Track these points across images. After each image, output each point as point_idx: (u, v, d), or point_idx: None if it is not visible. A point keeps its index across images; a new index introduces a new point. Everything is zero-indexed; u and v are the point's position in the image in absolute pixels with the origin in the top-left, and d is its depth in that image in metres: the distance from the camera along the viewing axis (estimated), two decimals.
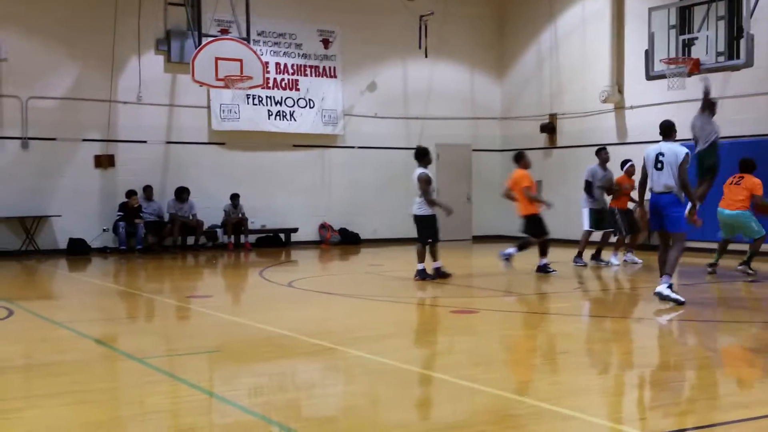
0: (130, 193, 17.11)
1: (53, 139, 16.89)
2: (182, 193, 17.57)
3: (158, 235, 17.55)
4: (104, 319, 9.16)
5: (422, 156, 12.14)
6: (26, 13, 16.57)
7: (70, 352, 7.04)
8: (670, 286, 9.16)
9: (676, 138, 9.67)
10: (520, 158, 13.11)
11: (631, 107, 18.12)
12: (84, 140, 17.21)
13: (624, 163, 14.43)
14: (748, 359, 6.91)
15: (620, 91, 18.25)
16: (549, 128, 19.89)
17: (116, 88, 17.36)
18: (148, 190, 17.54)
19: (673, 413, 5.03)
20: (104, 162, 17.33)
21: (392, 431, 4.72)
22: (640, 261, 14.25)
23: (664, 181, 9.26)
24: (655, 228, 9.59)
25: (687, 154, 9.25)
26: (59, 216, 16.75)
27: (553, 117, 19.85)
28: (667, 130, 9.62)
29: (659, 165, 9.31)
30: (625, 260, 14.33)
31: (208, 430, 4.90)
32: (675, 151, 9.28)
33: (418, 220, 12.11)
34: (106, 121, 17.26)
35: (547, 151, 20.09)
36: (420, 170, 11.96)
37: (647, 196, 9.61)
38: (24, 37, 16.52)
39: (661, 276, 9.31)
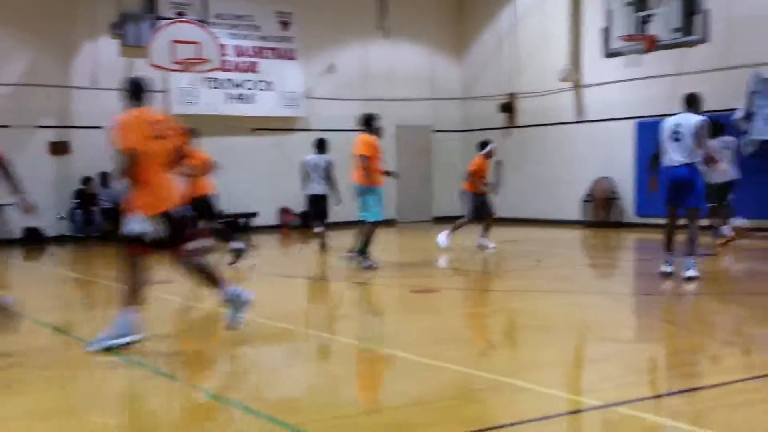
0: (86, 180, 16.87)
1: (6, 126, 16.54)
2: None
3: (115, 222, 17.32)
4: (61, 307, 9.05)
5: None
6: None
7: (26, 341, 6.93)
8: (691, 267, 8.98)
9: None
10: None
11: (589, 85, 18.26)
12: (38, 127, 16.90)
13: (483, 144, 13.47)
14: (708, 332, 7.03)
15: (578, 70, 18.37)
16: (508, 108, 19.97)
17: (71, 73, 17.07)
18: (104, 176, 17.31)
19: (630, 384, 5.11)
20: (59, 149, 17.04)
21: (355, 409, 4.73)
22: (494, 245, 13.03)
23: (681, 152, 8.81)
24: (671, 203, 9.13)
25: (704, 121, 8.83)
26: (13, 205, 16.41)
27: (512, 96, 19.93)
28: (692, 100, 9.11)
29: (677, 136, 8.87)
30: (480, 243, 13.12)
31: (170, 414, 4.87)
32: (691, 121, 8.85)
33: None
34: (60, 107, 16.97)
35: (506, 131, 20.16)
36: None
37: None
38: None
39: (667, 251, 9.22)
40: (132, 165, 6.00)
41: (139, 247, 6.17)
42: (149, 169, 6.08)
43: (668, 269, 9.20)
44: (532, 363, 5.73)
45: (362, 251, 10.84)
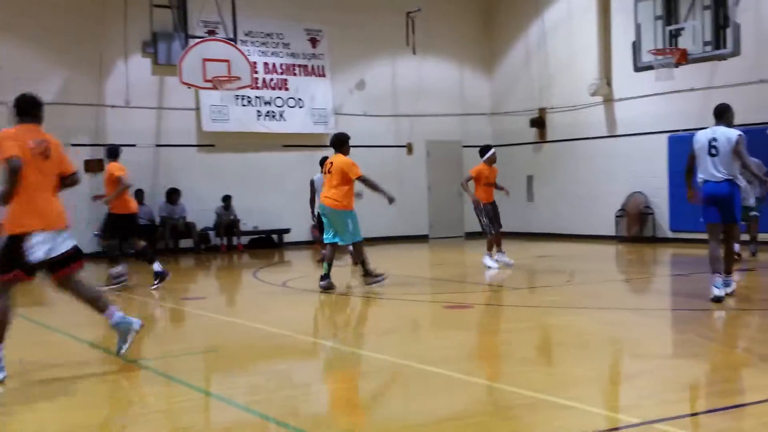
0: None
1: None
2: (173, 196, 17.53)
3: (150, 239, 17.50)
4: (98, 323, 9.12)
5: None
6: (13, 20, 16.50)
7: (64, 356, 7.02)
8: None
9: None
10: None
11: (620, 99, 18.17)
12: (73, 145, 17.12)
13: (484, 150, 13.15)
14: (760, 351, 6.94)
15: (609, 84, 18.29)
16: (539, 123, 19.92)
17: (104, 92, 17.33)
18: (138, 193, 17.49)
19: (669, 401, 5.06)
20: (93, 167, 17.26)
21: (388, 425, 4.73)
22: (512, 261, 12.96)
23: (720, 167, 8.48)
24: (712, 220, 8.68)
25: (740, 136, 8.51)
26: None
27: (542, 111, 19.89)
28: (721, 113, 8.76)
29: (713, 151, 8.51)
30: (496, 260, 12.83)
31: (206, 429, 4.90)
32: (727, 135, 8.52)
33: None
34: (94, 125, 17.22)
35: (537, 146, 20.13)
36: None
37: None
38: (12, 43, 16.45)
39: (714, 273, 8.58)
40: (12, 177, 5.81)
41: (17, 272, 5.93)
42: (26, 186, 5.90)
43: (721, 293, 8.53)
44: (568, 379, 5.68)
45: (367, 270, 10.67)
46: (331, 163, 10.67)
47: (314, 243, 19.18)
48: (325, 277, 10.37)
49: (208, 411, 5.30)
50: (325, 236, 10.80)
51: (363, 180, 10.59)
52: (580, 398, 5.05)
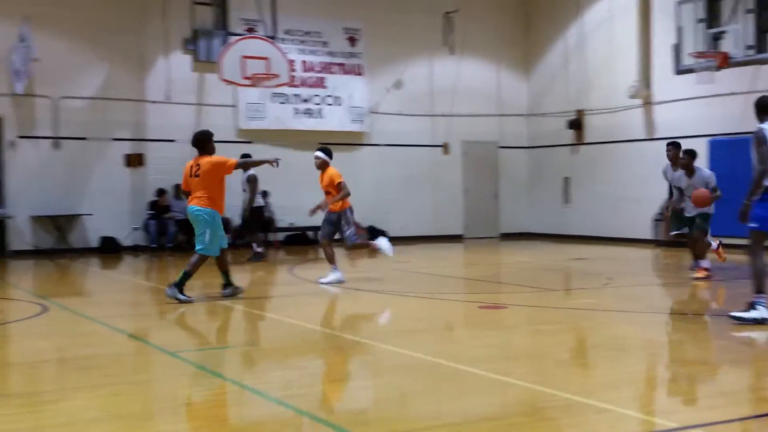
0: (160, 192, 17.28)
1: (84, 138, 17.08)
2: None
3: (188, 233, 17.69)
4: (136, 315, 9.27)
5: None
6: (57, 14, 16.77)
7: (103, 346, 7.13)
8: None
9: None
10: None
11: (660, 102, 17.98)
12: (114, 139, 17.39)
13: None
14: None
15: (648, 86, 18.11)
16: (576, 124, 19.79)
17: (145, 88, 17.54)
18: (177, 188, 17.67)
19: (707, 406, 5.01)
20: (134, 161, 17.51)
21: (424, 423, 4.74)
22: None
23: None
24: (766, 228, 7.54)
25: (759, 131, 7.49)
26: (91, 215, 16.96)
27: (580, 113, 19.75)
28: (765, 107, 7.64)
29: None
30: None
31: (240, 422, 4.95)
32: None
33: None
34: (135, 120, 17.45)
35: (574, 148, 20.00)
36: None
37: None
38: (55, 37, 16.71)
39: (759, 293, 7.41)
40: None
41: None
42: None
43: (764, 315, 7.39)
44: (605, 382, 5.65)
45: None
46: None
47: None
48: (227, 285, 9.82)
49: (244, 404, 5.35)
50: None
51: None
52: (617, 401, 5.02)
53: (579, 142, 19.86)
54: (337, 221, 11.42)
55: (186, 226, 17.55)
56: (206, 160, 9.58)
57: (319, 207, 11.56)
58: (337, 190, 11.30)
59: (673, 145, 11.93)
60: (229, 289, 9.81)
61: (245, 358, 6.78)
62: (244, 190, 14.91)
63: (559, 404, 5.02)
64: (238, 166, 9.86)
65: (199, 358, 6.67)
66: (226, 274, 9.82)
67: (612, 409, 4.85)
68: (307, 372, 6.18)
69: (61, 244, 16.69)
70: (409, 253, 16.80)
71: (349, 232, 11.39)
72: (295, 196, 18.87)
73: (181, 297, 9.32)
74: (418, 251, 17.25)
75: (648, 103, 18.19)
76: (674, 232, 11.90)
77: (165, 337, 7.60)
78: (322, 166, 11.55)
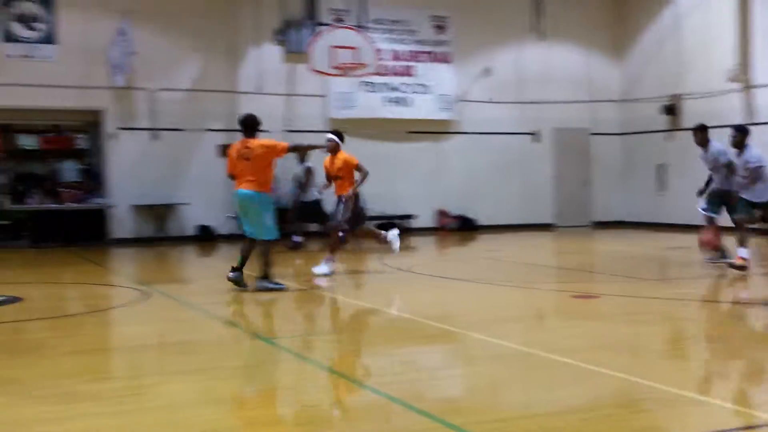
0: None
1: (181, 129, 17.58)
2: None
3: (281, 222, 17.96)
4: (233, 302, 9.50)
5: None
6: (154, 7, 17.28)
7: (201, 332, 7.36)
8: None
9: None
10: None
11: (760, 86, 17.33)
12: (208, 130, 17.82)
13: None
14: None
15: (747, 70, 17.46)
16: (671, 110, 19.25)
17: (237, 78, 17.90)
18: None
19: None
20: (227, 151, 17.86)
21: (514, 413, 4.73)
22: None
23: None
24: None
25: None
26: (188, 204, 17.47)
27: (676, 98, 19.19)
28: None
29: None
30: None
31: (333, 407, 5.04)
32: None
33: None
34: (228, 111, 17.83)
35: (670, 134, 19.46)
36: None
37: None
38: (151, 31, 17.21)
39: None
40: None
41: None
42: None
43: None
44: (703, 374, 5.52)
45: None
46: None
47: (439, 229, 19.30)
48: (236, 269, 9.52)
49: (336, 390, 5.45)
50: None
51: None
52: (715, 394, 4.91)
53: (674, 127, 19.31)
54: (346, 205, 11.15)
55: (278, 215, 17.89)
56: (257, 143, 9.48)
57: (326, 187, 11.57)
58: (353, 173, 11.16)
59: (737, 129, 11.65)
60: (236, 275, 9.43)
61: (338, 345, 6.88)
62: (298, 181, 14.91)
63: (654, 396, 4.93)
64: (289, 149, 9.77)
65: (293, 344, 6.81)
66: (244, 260, 9.50)
67: (709, 401, 4.74)
68: (398, 360, 6.24)
69: (159, 233, 17.25)
70: (499, 242, 16.71)
71: (341, 217, 11.17)
72: (384, 185, 18.98)
73: (271, 285, 9.37)
74: (508, 240, 17.13)
75: (748, 87, 17.55)
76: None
77: (260, 324, 7.79)
78: (335, 149, 11.29)
